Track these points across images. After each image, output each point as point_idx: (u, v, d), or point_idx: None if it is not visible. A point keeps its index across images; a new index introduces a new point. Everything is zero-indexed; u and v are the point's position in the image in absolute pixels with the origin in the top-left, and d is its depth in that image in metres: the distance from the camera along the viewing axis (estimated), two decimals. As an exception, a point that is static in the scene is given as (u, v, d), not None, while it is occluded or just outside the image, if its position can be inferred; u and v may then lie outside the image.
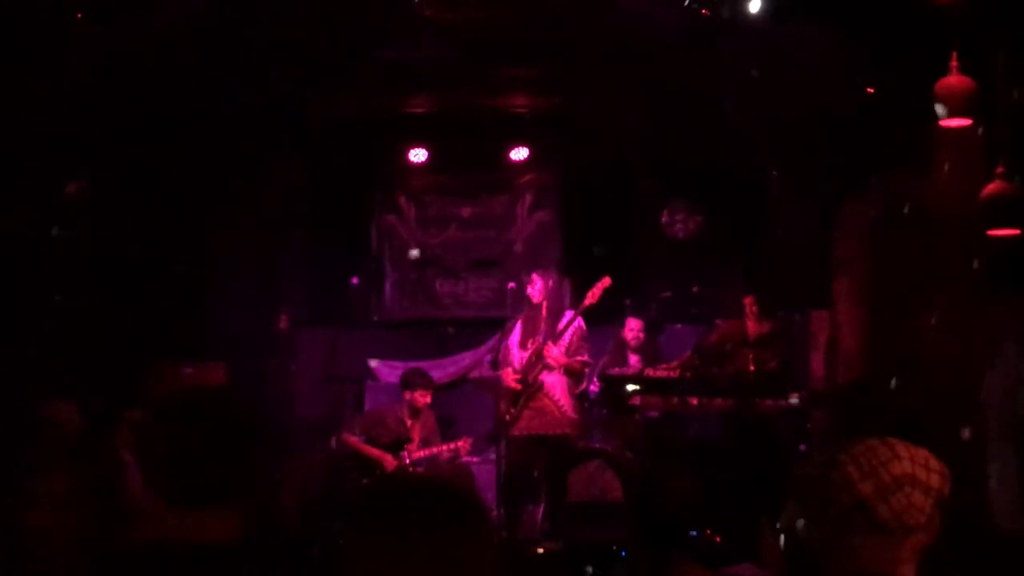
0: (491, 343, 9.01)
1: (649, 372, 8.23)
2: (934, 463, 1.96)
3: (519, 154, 10.23)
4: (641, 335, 8.92)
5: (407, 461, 8.27)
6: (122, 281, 7.53)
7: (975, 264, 6.30)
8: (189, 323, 8.19)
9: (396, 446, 8.33)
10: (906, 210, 7.10)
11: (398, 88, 9.28)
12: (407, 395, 8.45)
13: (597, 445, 8.18)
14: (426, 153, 10.19)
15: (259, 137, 8.86)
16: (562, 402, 8.00)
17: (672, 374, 8.16)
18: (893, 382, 6.60)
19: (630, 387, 8.19)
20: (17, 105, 6.43)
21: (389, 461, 8.26)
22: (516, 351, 8.13)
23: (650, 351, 8.94)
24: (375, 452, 8.31)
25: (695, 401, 8.03)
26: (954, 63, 4.99)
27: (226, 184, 8.82)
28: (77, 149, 7.18)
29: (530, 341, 8.06)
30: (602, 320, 8.57)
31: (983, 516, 6.04)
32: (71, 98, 6.82)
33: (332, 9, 7.37)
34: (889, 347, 7.47)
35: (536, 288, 8.06)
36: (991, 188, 5.32)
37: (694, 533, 6.69)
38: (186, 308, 8.16)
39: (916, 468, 1.94)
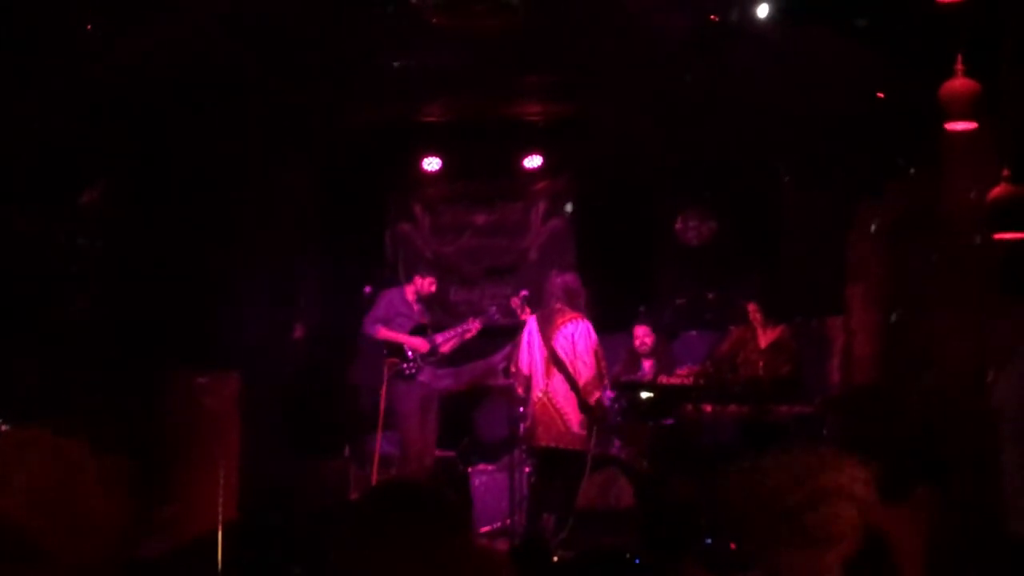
0: (505, 351, 9.02)
1: (663, 379, 8.21)
2: (859, 472, 1.95)
3: (533, 162, 10.24)
4: (648, 340, 8.91)
5: (437, 342, 8.81)
6: (136, 290, 7.56)
7: (989, 268, 6.26)
8: (203, 333, 8.21)
9: (419, 332, 8.82)
10: (920, 215, 7.07)
11: (412, 96, 9.29)
12: (418, 280, 8.95)
13: (612, 452, 8.16)
14: (440, 161, 10.21)
15: (273, 146, 8.90)
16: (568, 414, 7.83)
17: (686, 381, 8.13)
18: (907, 388, 6.55)
19: (644, 394, 8.17)
20: (28, 113, 6.47)
21: (421, 344, 8.74)
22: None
23: (663, 355, 8.92)
24: (408, 339, 8.76)
25: (709, 408, 7.98)
26: (959, 66, 4.94)
27: (241, 193, 8.86)
28: (90, 158, 7.22)
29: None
30: (614, 328, 8.56)
31: (997, 521, 5.98)
32: (83, 106, 6.86)
33: (345, 18, 7.39)
34: (903, 353, 7.42)
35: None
36: (997, 191, 5.25)
37: (709, 541, 6.68)
38: (200, 317, 8.18)
39: (843, 478, 1.92)
